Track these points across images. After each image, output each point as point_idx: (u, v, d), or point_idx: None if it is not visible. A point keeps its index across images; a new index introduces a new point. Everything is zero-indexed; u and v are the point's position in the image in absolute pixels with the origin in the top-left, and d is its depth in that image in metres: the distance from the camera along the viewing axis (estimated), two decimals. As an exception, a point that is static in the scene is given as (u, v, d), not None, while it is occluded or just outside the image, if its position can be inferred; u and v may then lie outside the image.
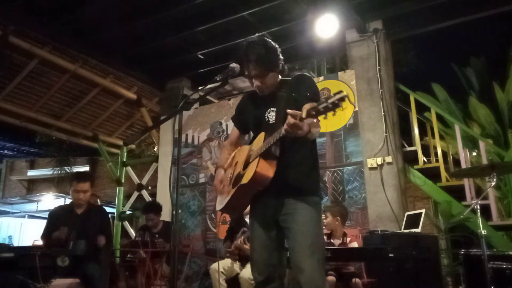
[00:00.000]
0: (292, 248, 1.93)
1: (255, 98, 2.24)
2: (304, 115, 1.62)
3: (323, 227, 3.75)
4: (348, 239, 3.72)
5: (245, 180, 1.91)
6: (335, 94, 1.56)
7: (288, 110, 1.69)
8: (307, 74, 2.16)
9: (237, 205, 2.11)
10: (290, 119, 1.68)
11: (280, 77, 2.15)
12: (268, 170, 1.88)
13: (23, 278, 3.15)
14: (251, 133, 2.31)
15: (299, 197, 1.96)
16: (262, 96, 2.17)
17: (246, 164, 2.01)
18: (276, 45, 2.14)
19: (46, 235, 3.69)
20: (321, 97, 2.01)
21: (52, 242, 3.51)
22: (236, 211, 2.26)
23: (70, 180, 3.94)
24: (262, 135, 2.00)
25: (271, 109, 2.09)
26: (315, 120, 1.62)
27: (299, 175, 2.00)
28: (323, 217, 3.72)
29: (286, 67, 2.18)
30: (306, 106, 1.62)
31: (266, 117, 2.10)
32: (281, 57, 2.15)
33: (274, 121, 2.04)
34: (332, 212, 3.75)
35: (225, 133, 5.67)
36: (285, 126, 1.72)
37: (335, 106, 1.55)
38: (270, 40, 2.11)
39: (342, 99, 1.53)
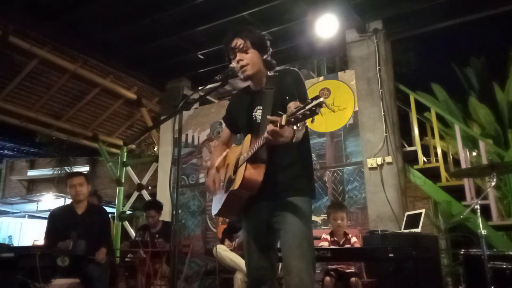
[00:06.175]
0: (282, 249, 1.92)
1: (243, 97, 2.22)
2: (283, 122, 1.56)
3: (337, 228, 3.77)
4: (350, 235, 3.76)
5: (234, 186, 1.89)
6: (312, 100, 1.48)
7: (268, 117, 1.65)
8: (294, 68, 2.12)
9: (232, 210, 2.07)
10: (269, 127, 1.64)
11: (268, 73, 2.12)
12: (256, 174, 1.85)
13: (23, 278, 3.16)
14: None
15: (289, 198, 1.94)
16: (250, 94, 2.16)
17: (236, 168, 1.99)
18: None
19: (48, 236, 3.69)
20: (307, 95, 1.98)
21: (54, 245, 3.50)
22: (232, 215, 2.23)
23: (65, 181, 3.95)
24: (248, 137, 1.97)
25: (258, 107, 2.06)
26: (295, 127, 1.55)
27: (290, 177, 1.97)
28: (338, 220, 3.74)
29: (274, 62, 2.14)
30: (288, 111, 1.57)
31: (253, 116, 2.08)
32: (269, 46, 2.14)
33: (260, 120, 2.01)
34: (347, 213, 3.91)
35: (225, 133, 5.67)
36: (265, 134, 1.68)
37: (312, 113, 1.47)
38: None
39: (319, 105, 1.46)
